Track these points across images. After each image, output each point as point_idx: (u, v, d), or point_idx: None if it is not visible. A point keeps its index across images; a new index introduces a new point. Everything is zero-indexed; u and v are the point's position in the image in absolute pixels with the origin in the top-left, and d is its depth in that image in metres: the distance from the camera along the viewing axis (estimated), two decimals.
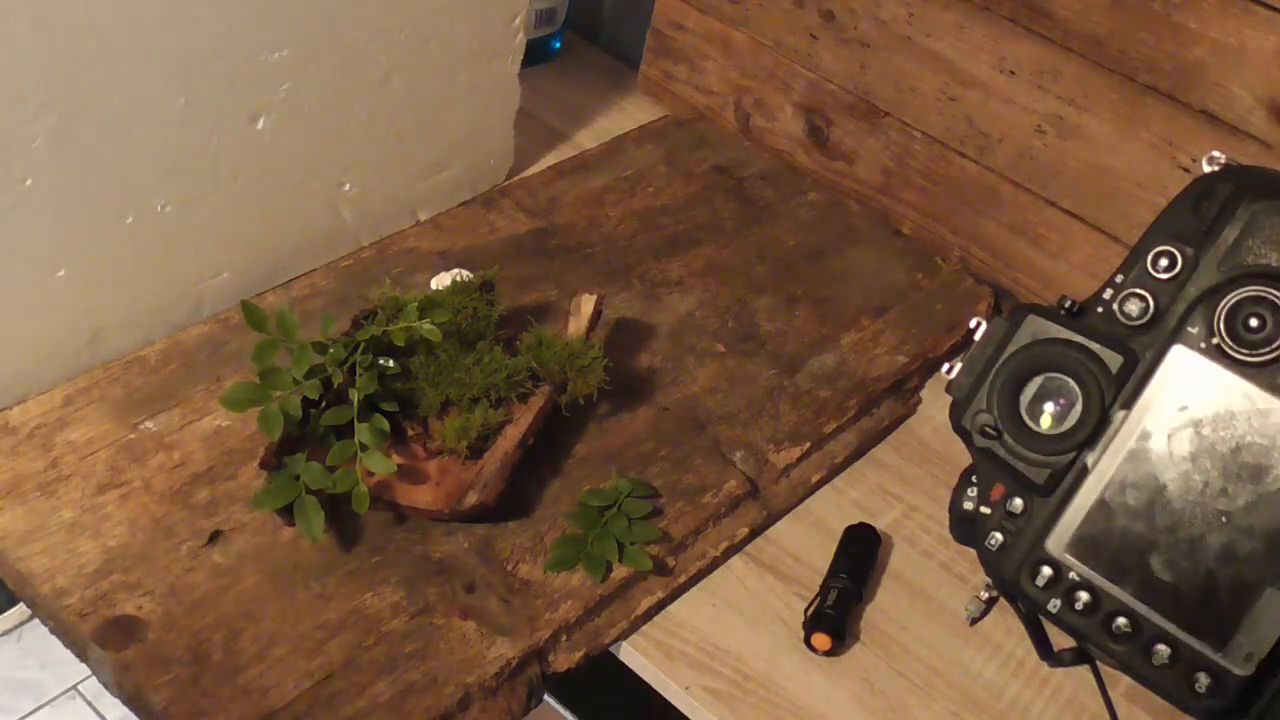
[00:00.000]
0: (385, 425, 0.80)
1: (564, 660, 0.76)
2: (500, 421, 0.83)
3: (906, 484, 0.93)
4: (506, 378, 0.85)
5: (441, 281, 0.96)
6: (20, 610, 1.68)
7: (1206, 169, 0.67)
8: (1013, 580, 0.67)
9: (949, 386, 0.70)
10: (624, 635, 0.79)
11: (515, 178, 1.14)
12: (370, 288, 0.92)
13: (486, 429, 0.83)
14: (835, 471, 0.93)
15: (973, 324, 0.70)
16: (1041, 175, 1.06)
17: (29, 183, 0.77)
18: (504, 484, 0.81)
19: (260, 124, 0.89)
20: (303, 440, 0.79)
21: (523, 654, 0.75)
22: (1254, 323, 0.62)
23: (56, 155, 0.78)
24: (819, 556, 0.86)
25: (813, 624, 0.80)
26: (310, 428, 0.80)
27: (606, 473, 0.87)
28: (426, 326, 0.83)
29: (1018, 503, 0.67)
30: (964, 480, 0.71)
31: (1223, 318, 0.63)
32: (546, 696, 0.77)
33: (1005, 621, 0.75)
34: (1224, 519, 0.62)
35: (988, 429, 0.68)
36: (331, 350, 0.82)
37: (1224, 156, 0.67)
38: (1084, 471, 0.65)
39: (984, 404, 0.68)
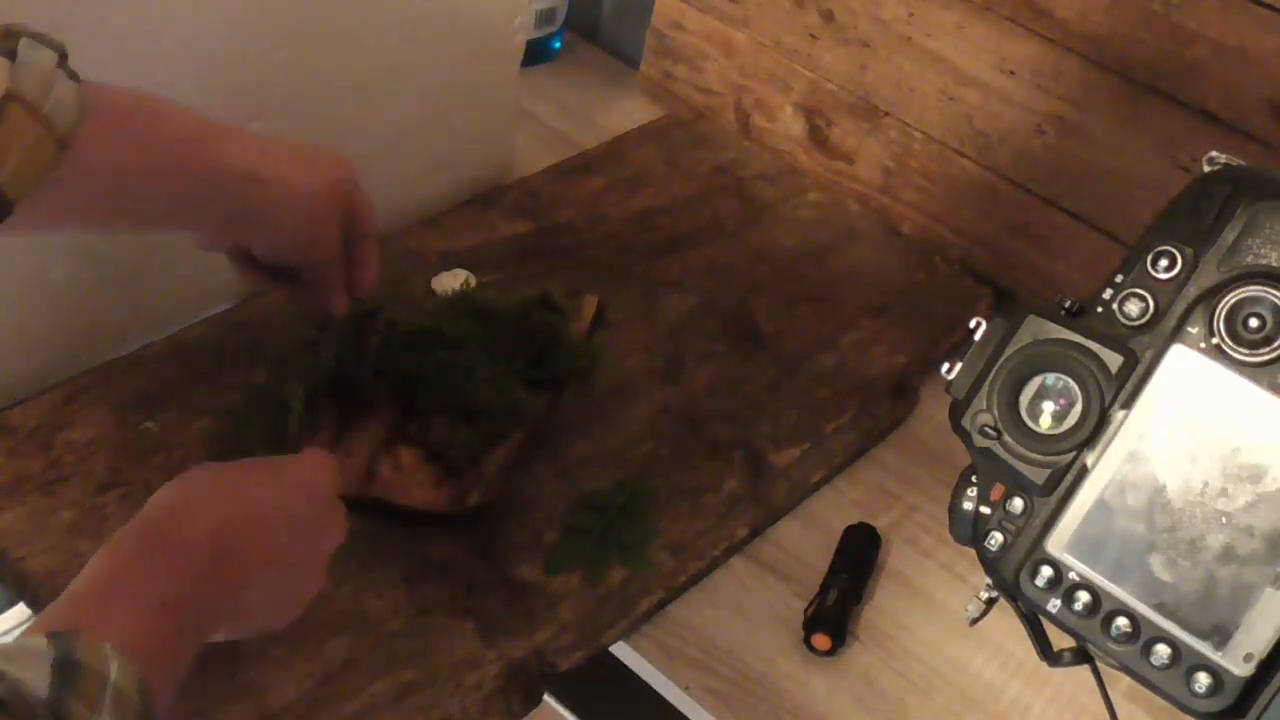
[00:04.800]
0: (385, 426, 0.80)
1: (564, 660, 0.76)
2: (502, 422, 0.83)
3: (906, 484, 0.93)
4: (509, 380, 0.84)
5: (441, 282, 0.96)
6: (20, 610, 1.68)
7: (1206, 169, 0.67)
8: (1013, 580, 0.67)
9: (949, 386, 0.70)
10: (624, 635, 0.79)
11: (515, 178, 1.13)
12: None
13: (488, 429, 0.82)
14: (835, 471, 0.93)
15: (973, 324, 0.70)
16: (1041, 175, 1.06)
17: None
18: (505, 485, 0.81)
19: (258, 125, 0.89)
20: (303, 441, 0.79)
21: (523, 654, 0.75)
22: (1254, 323, 0.62)
23: None
24: (819, 556, 0.86)
25: (813, 624, 0.80)
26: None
27: (606, 473, 0.87)
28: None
29: (1018, 503, 0.67)
30: (964, 480, 0.71)
31: (1223, 318, 0.63)
32: (546, 696, 0.77)
33: (1005, 621, 0.75)
34: (1224, 519, 0.62)
35: (987, 429, 0.68)
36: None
37: (1224, 156, 0.67)
38: (1084, 471, 0.65)
39: (984, 404, 0.68)
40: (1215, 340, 0.63)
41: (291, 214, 0.73)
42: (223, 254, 0.76)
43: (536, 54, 1.29)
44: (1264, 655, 0.61)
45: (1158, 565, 0.64)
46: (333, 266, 0.78)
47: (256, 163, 0.71)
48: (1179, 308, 0.64)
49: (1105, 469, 0.65)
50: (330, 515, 0.66)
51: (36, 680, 0.45)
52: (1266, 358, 0.62)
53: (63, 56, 0.62)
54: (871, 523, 0.88)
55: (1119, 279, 0.67)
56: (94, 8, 0.75)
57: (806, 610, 0.81)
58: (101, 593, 0.53)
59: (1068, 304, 0.68)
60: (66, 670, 0.46)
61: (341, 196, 0.76)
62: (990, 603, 0.74)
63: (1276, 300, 0.62)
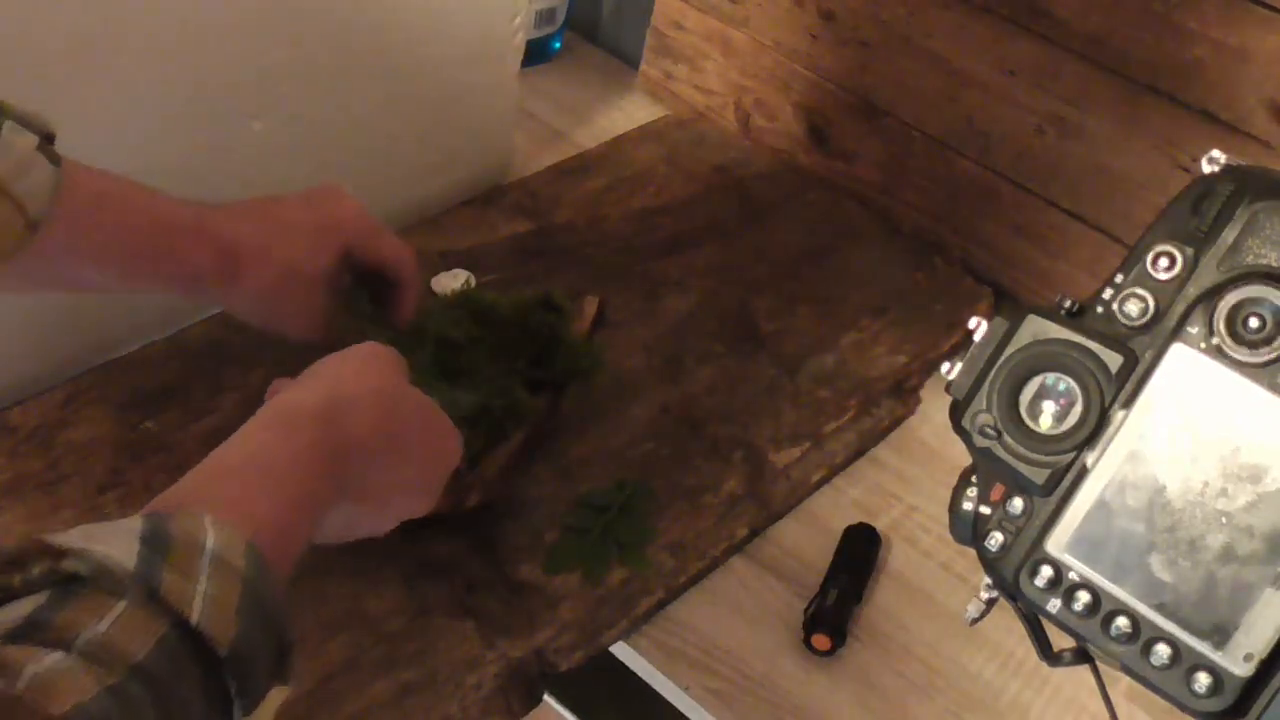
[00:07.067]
0: None
1: (564, 660, 0.76)
2: (502, 423, 0.83)
3: (906, 484, 0.93)
4: (510, 380, 0.84)
5: (441, 282, 0.96)
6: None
7: (1206, 169, 0.67)
8: (1013, 580, 0.67)
9: (949, 386, 0.70)
10: (624, 635, 0.79)
11: (515, 178, 1.14)
12: None
13: (489, 430, 0.82)
14: (835, 471, 0.93)
15: (973, 324, 0.70)
16: (1041, 175, 1.06)
17: None
18: (505, 485, 0.81)
19: (259, 124, 0.89)
20: None
21: (523, 654, 0.75)
22: (1254, 323, 0.62)
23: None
24: (819, 556, 0.86)
25: (813, 624, 0.80)
26: None
27: (606, 473, 0.87)
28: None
29: (1018, 503, 0.67)
30: (964, 480, 0.70)
31: (1223, 318, 0.63)
32: (546, 696, 0.77)
33: (1005, 621, 0.74)
34: (1224, 519, 0.62)
35: (987, 429, 0.68)
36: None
37: (1224, 156, 0.67)
38: (1084, 471, 0.65)
39: (984, 404, 0.68)
40: (1215, 340, 0.63)
41: (250, 297, 0.74)
42: None
43: (536, 54, 1.29)
44: (1264, 655, 0.61)
45: (1158, 565, 0.63)
46: (318, 335, 0.78)
47: (228, 241, 0.72)
48: (1179, 308, 0.64)
49: (1105, 469, 0.65)
50: (443, 419, 0.66)
51: (121, 554, 0.43)
52: (1266, 358, 0.62)
53: (46, 139, 0.64)
54: (871, 523, 0.87)
55: (1119, 279, 0.66)
56: (96, 7, 0.75)
57: (806, 610, 0.81)
58: (219, 473, 0.53)
59: (1068, 304, 0.68)
60: (155, 542, 0.44)
61: (334, 254, 0.76)
62: (990, 603, 0.74)
63: (1276, 300, 0.62)
